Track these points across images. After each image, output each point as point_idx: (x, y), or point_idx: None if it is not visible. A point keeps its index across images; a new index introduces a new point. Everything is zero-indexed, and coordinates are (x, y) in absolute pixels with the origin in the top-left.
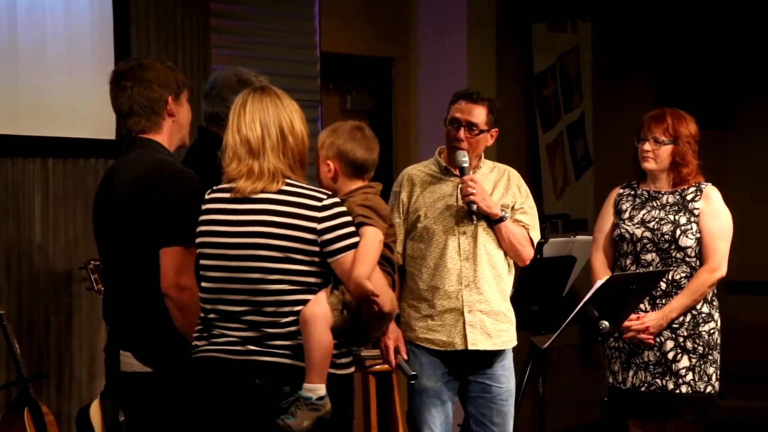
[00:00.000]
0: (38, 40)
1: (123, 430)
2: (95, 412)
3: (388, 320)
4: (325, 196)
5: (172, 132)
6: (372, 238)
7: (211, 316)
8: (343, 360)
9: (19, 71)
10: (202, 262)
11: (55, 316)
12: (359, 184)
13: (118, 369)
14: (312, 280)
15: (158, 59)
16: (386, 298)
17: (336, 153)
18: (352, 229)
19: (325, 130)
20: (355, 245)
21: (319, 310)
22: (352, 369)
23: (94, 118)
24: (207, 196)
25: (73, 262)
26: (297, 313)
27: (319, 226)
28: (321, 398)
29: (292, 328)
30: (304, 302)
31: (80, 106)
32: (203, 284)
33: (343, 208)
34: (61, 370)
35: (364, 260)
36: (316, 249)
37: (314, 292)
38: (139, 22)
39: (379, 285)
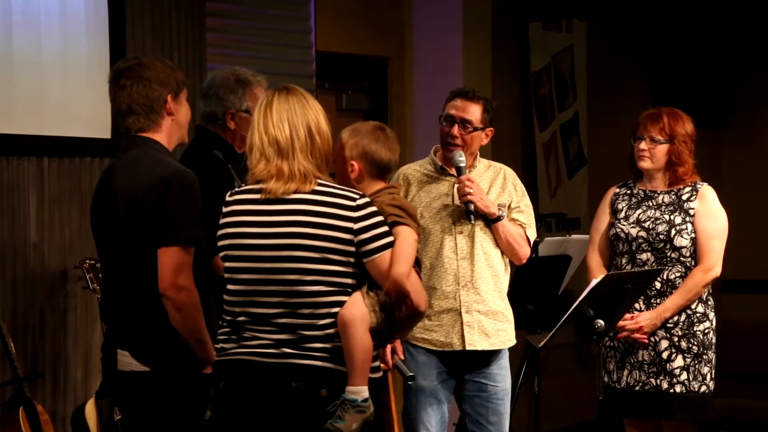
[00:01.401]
0: (33, 40)
1: (118, 429)
2: (90, 411)
3: (419, 320)
4: (357, 196)
5: (171, 131)
6: (408, 237)
7: (241, 318)
8: (375, 363)
9: (15, 70)
10: (228, 264)
11: (50, 315)
12: (382, 184)
13: (116, 368)
14: (348, 281)
15: (158, 58)
16: (421, 297)
17: (360, 153)
18: (386, 228)
19: (346, 130)
20: (390, 245)
21: (358, 311)
22: (380, 373)
23: (89, 118)
24: (230, 198)
25: (68, 261)
26: (334, 315)
27: (356, 226)
28: (365, 400)
29: (330, 331)
30: (340, 304)
31: (75, 106)
32: (230, 287)
33: (375, 208)
34: (56, 370)
35: (402, 259)
36: (352, 249)
37: (349, 294)
38: (135, 22)
39: (414, 284)
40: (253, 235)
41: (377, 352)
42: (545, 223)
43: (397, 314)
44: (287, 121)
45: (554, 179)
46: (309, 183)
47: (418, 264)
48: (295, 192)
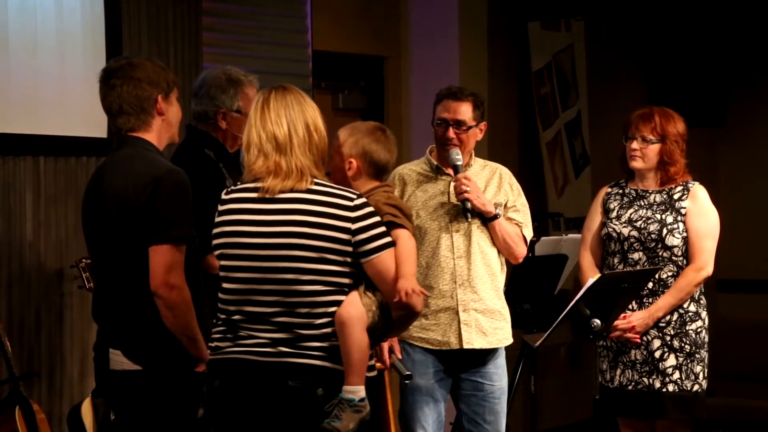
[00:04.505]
0: (30, 39)
1: (115, 428)
2: (86, 410)
3: (415, 320)
4: (354, 196)
5: (161, 130)
6: (409, 241)
7: (236, 317)
8: (371, 362)
9: (11, 69)
10: (224, 263)
11: (46, 314)
12: (376, 183)
13: (108, 367)
14: (344, 281)
15: (148, 58)
16: (418, 298)
17: (360, 152)
18: (383, 228)
19: (345, 128)
20: (387, 245)
21: (355, 311)
22: (375, 372)
23: (85, 116)
24: (226, 196)
25: (64, 260)
26: (331, 314)
27: (353, 226)
28: (362, 399)
29: (327, 330)
30: (337, 303)
31: (71, 105)
32: (225, 285)
33: (372, 208)
34: (52, 369)
35: (408, 263)
36: (350, 249)
37: (345, 293)
38: (131, 21)
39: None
40: (249, 234)
41: (373, 351)
42: (553, 222)
43: (394, 314)
44: (285, 117)
45: (561, 178)
46: (305, 181)
47: None
48: (292, 190)
